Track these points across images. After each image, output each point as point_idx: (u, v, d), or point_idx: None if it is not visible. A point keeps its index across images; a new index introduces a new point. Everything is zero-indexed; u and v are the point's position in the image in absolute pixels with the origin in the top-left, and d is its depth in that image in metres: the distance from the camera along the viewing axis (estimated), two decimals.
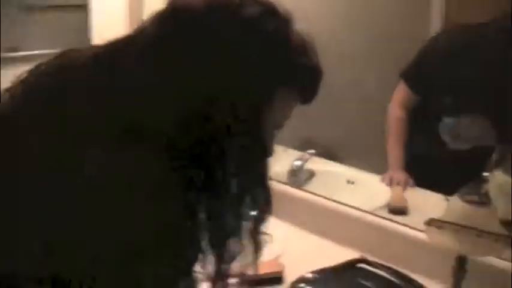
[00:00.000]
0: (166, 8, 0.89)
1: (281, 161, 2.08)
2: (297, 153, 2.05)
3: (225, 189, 0.86)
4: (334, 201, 1.82)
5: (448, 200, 1.53)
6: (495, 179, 1.65)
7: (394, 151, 2.01)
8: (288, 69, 0.89)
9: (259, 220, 0.95)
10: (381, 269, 1.56)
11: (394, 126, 2.03)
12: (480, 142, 1.82)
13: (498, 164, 1.71)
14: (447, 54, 1.84)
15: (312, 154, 2.03)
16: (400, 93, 2.00)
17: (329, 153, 2.21)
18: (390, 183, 1.95)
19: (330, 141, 2.28)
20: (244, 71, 0.84)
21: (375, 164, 2.14)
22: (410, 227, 1.64)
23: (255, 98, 0.85)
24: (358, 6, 2.36)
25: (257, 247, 0.97)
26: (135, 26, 0.90)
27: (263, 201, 0.94)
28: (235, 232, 0.91)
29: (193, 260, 0.88)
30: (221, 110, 0.82)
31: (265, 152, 0.91)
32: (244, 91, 0.83)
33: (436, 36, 1.93)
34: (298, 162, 2.00)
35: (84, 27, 2.09)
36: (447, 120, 1.86)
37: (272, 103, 0.88)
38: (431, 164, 1.92)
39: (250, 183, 0.91)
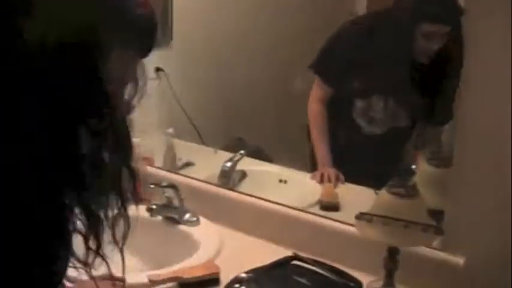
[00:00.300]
0: None
1: (212, 163, 2.08)
2: (227, 155, 2.05)
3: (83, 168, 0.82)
4: (267, 200, 1.82)
5: (377, 193, 1.57)
6: (421, 170, 1.70)
7: (320, 147, 2.05)
8: (121, 22, 0.86)
9: (125, 197, 0.93)
10: (314, 265, 1.57)
11: (315, 121, 2.07)
12: (392, 123, 1.93)
13: (417, 148, 1.78)
14: (349, 41, 1.96)
15: (242, 155, 2.03)
16: (316, 87, 2.06)
17: (260, 153, 2.22)
18: (321, 180, 1.98)
19: (260, 141, 2.29)
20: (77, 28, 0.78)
21: (306, 162, 2.17)
22: (342, 222, 1.66)
23: (91, 56, 0.79)
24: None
25: (126, 222, 0.93)
26: None
27: (127, 177, 0.92)
28: (100, 208, 0.86)
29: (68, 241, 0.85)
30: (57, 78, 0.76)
31: (113, 112, 0.84)
32: (79, 49, 0.78)
33: (339, 28, 2.01)
34: (229, 164, 2.00)
35: None
36: (358, 104, 1.96)
37: (110, 61, 0.82)
38: (353, 154, 1.99)
39: (111, 159, 0.87)
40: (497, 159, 1.37)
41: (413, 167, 1.75)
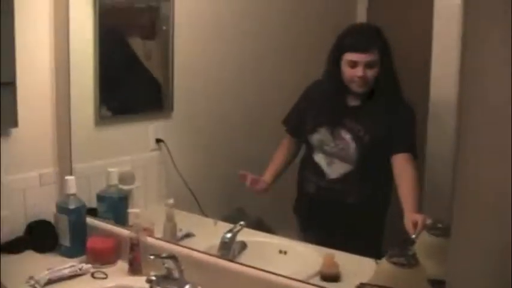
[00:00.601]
0: None
1: (212, 234, 2.08)
2: (227, 226, 2.05)
3: None
4: (267, 271, 1.81)
5: (377, 263, 1.56)
6: (422, 239, 1.70)
7: (272, 164, 2.33)
8: None
9: None
10: None
11: (274, 154, 2.35)
12: (344, 155, 2.12)
13: None
14: (305, 93, 2.26)
15: (242, 226, 2.03)
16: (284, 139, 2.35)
17: (260, 224, 2.22)
18: (241, 176, 2.25)
19: (260, 211, 2.30)
20: None
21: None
22: None
23: None
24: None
25: None
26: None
27: None
28: None
29: None
30: None
31: None
32: None
33: None
34: (229, 235, 1.99)
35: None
36: (313, 140, 2.20)
37: None
38: (321, 202, 2.22)
39: None
40: (497, 229, 1.37)
41: (413, 236, 1.75)
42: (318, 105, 2.22)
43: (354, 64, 2.06)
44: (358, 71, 2.05)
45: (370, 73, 2.05)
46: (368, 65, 2.04)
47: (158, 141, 2.46)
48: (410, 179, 1.95)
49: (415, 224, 1.76)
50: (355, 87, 2.09)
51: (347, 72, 2.08)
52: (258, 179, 2.28)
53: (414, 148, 2.01)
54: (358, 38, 2.10)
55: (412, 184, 1.93)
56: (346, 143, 2.12)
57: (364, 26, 2.23)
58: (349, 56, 2.06)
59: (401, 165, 1.99)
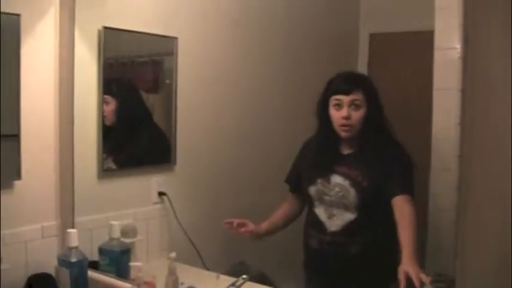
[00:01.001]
0: None
1: None
2: (230, 279, 2.03)
3: None
4: None
5: None
6: None
7: (271, 216, 2.37)
8: None
9: None
10: None
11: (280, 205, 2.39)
12: (344, 201, 2.13)
13: None
14: (302, 152, 2.35)
15: (245, 279, 2.01)
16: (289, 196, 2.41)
17: (263, 278, 2.20)
18: (226, 223, 2.27)
19: (264, 265, 2.28)
20: None
21: None
22: None
23: None
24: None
25: None
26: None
27: None
28: None
29: None
30: None
31: None
32: None
33: None
34: None
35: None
36: (312, 191, 2.22)
37: None
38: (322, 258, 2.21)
39: None
40: (501, 283, 1.36)
41: None
42: (314, 157, 2.24)
43: (339, 105, 2.10)
44: (344, 112, 2.09)
45: (356, 114, 2.09)
46: (352, 105, 2.09)
47: (160, 194, 2.46)
48: (409, 221, 1.96)
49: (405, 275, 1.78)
50: (343, 132, 2.12)
51: (334, 115, 2.12)
52: (246, 222, 2.28)
53: (412, 188, 2.04)
54: (342, 81, 2.16)
55: (410, 227, 1.94)
56: (345, 189, 2.12)
57: (349, 72, 2.28)
58: (334, 98, 2.13)
59: (401, 207, 2.00)
